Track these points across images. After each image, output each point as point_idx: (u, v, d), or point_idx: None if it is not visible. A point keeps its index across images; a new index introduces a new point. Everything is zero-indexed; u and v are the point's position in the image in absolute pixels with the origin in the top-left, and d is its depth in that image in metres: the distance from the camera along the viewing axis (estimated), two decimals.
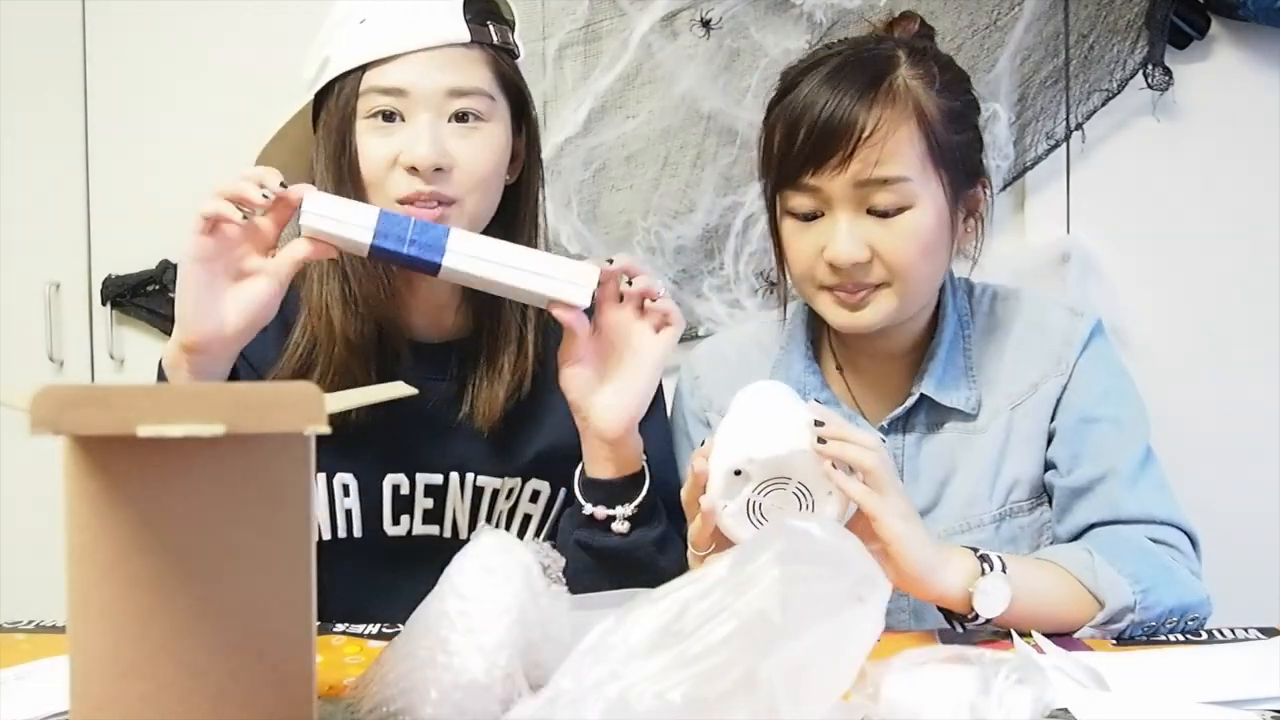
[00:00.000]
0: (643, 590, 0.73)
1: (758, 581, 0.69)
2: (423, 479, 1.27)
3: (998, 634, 1.08)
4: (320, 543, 1.26)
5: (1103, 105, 1.85)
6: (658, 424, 1.32)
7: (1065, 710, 0.83)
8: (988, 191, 1.26)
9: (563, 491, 1.29)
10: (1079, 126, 1.85)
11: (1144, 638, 1.08)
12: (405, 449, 1.26)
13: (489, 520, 1.28)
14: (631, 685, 0.67)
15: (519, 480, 1.29)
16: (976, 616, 1.05)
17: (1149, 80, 1.83)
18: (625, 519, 1.17)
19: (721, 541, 1.03)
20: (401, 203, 1.18)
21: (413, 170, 1.17)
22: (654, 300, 1.14)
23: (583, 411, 1.16)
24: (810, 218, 1.19)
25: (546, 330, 1.29)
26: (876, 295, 1.19)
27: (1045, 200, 1.88)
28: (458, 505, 1.28)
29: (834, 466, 0.99)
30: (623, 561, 1.17)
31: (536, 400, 1.28)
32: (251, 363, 1.22)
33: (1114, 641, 1.07)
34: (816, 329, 1.33)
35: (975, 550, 1.06)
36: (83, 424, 0.65)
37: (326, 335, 1.22)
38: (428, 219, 1.16)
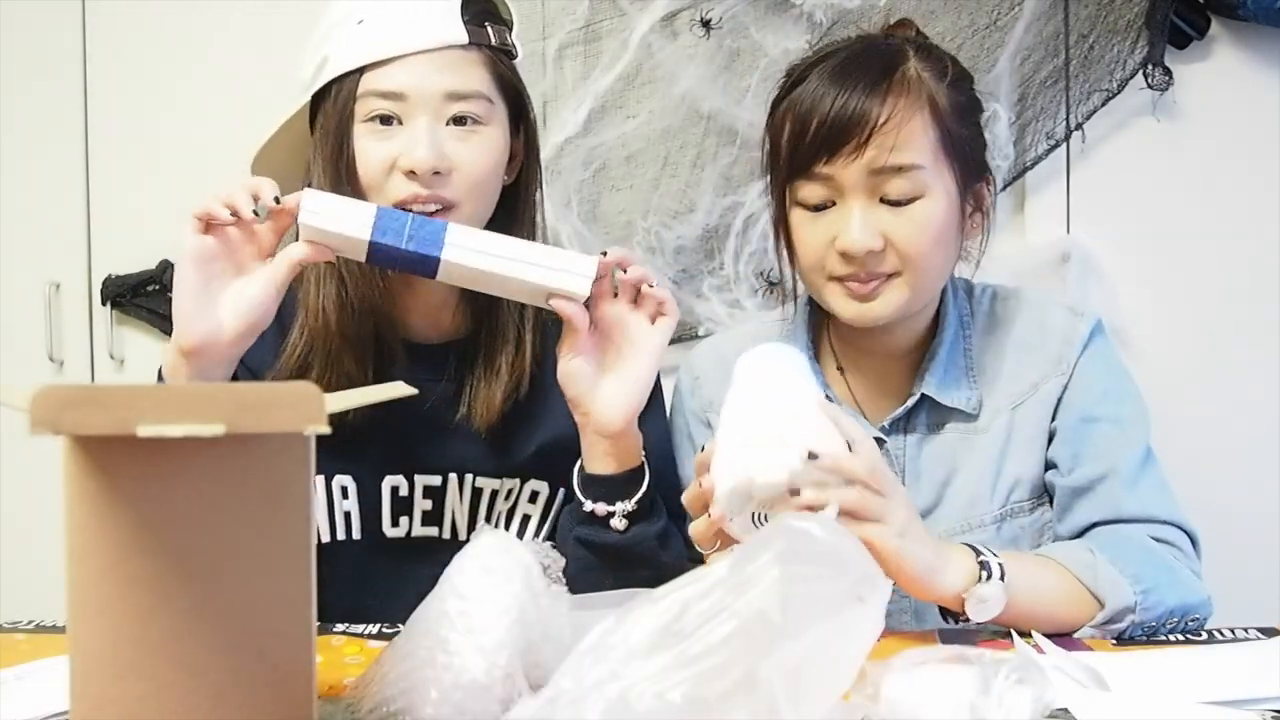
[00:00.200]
0: (643, 590, 0.73)
1: (758, 581, 0.69)
2: (421, 480, 1.27)
3: (998, 634, 1.08)
4: (319, 545, 1.26)
5: (1103, 105, 1.85)
6: (656, 420, 1.32)
7: (1065, 710, 0.83)
8: (991, 189, 1.27)
9: (561, 491, 1.29)
10: (1079, 126, 1.85)
11: (1144, 638, 1.08)
12: (403, 450, 1.26)
13: (488, 521, 1.28)
14: (631, 685, 0.67)
15: (518, 481, 1.29)
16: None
17: (1149, 80, 1.83)
18: (625, 515, 1.17)
19: (726, 540, 1.03)
20: (399, 206, 1.18)
21: (411, 174, 1.17)
22: (650, 288, 1.14)
23: (583, 407, 1.15)
24: (821, 208, 1.18)
25: (544, 330, 1.29)
26: (888, 286, 1.18)
27: (1045, 200, 1.88)
28: (456, 506, 1.28)
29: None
30: (623, 557, 1.17)
31: (535, 401, 1.28)
32: (250, 367, 1.22)
33: (1114, 641, 1.07)
34: (817, 329, 1.33)
35: (976, 552, 1.06)
36: (83, 424, 0.65)
37: (323, 337, 1.22)
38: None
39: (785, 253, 1.26)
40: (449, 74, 1.19)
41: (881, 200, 1.16)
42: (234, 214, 1.08)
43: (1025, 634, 1.05)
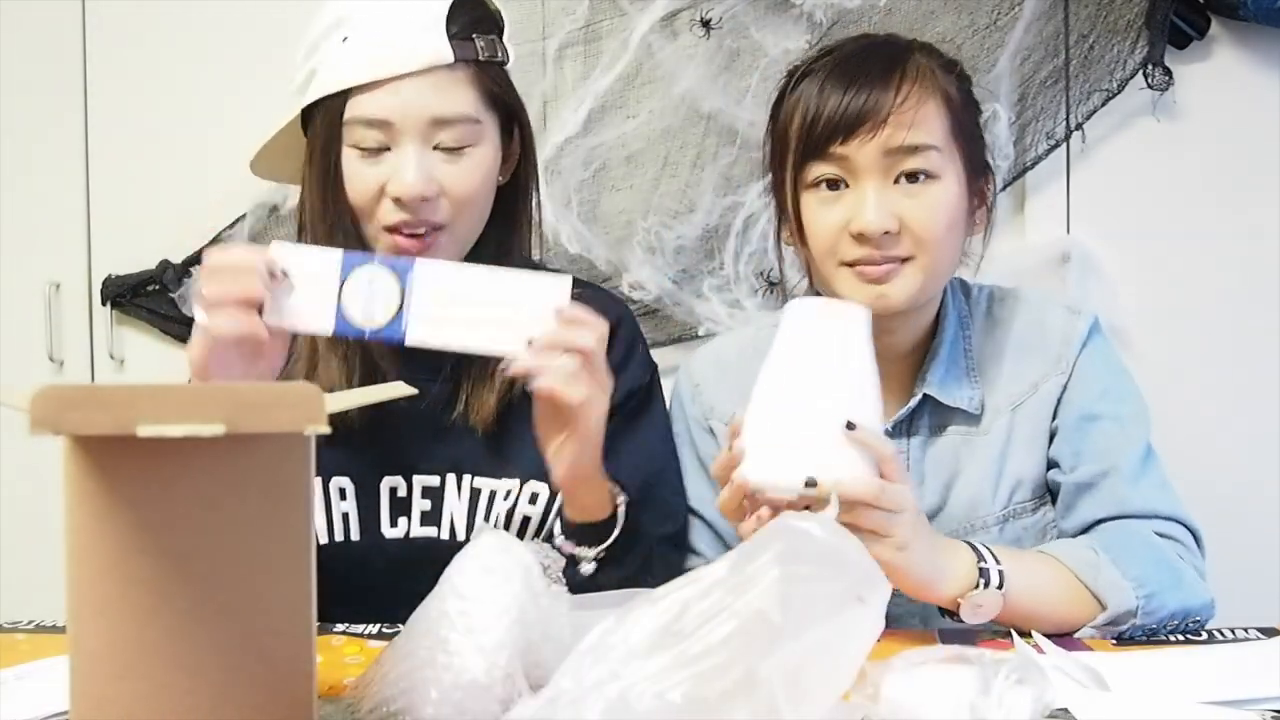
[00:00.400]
0: (643, 590, 0.73)
1: (757, 581, 0.69)
2: (420, 481, 1.27)
3: (998, 634, 1.08)
4: (318, 546, 1.26)
5: (1103, 105, 1.85)
6: (653, 426, 1.33)
7: (1065, 710, 0.83)
8: (992, 189, 1.27)
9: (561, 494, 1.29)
10: (1079, 126, 1.85)
11: (1144, 638, 1.08)
12: (401, 451, 1.26)
13: (487, 522, 1.28)
14: (631, 685, 0.67)
15: (517, 482, 1.28)
16: None
17: (1149, 80, 1.83)
18: (592, 560, 1.17)
19: (754, 505, 1.04)
20: (390, 230, 1.20)
21: (399, 200, 1.18)
22: (587, 359, 1.10)
23: (545, 456, 1.16)
24: (834, 186, 1.17)
25: None
26: (901, 271, 1.17)
27: (1045, 200, 1.88)
28: (455, 507, 1.28)
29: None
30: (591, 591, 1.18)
31: (532, 403, 1.28)
32: None
33: (1114, 641, 1.07)
34: None
35: (978, 555, 1.07)
36: (83, 424, 0.65)
37: (309, 338, 1.22)
38: (416, 246, 1.19)
39: (795, 242, 1.24)
40: (435, 97, 1.17)
41: (895, 182, 1.16)
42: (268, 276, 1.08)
43: (1025, 634, 1.05)
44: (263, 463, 0.70)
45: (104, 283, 2.03)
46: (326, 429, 0.67)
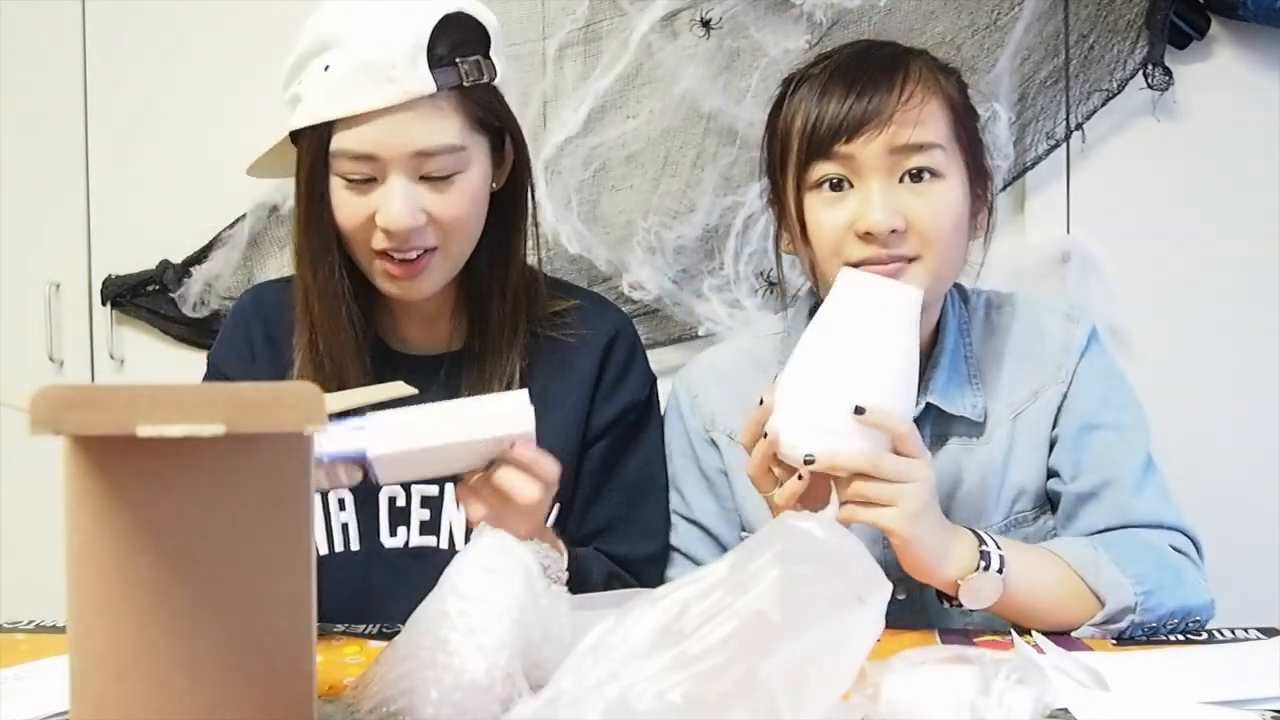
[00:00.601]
0: (643, 590, 0.73)
1: (757, 581, 0.69)
2: (418, 490, 1.27)
3: (998, 633, 1.08)
4: (318, 558, 1.26)
5: (1103, 105, 1.84)
6: (647, 443, 1.33)
7: (1065, 710, 0.83)
8: (992, 193, 1.26)
9: (556, 508, 1.28)
10: (1079, 126, 1.85)
11: (1144, 638, 1.08)
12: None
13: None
14: (631, 685, 0.67)
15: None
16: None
17: (1149, 80, 1.82)
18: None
19: (786, 472, 1.07)
20: (380, 254, 1.20)
21: (388, 231, 1.18)
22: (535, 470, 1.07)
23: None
24: (837, 187, 1.16)
25: (535, 341, 1.30)
26: (908, 271, 1.16)
27: (1045, 200, 1.88)
28: (454, 516, 1.27)
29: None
30: None
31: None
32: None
33: (1114, 641, 1.07)
34: None
35: (980, 540, 1.08)
36: (83, 424, 0.65)
37: (309, 350, 1.23)
38: (409, 269, 1.19)
39: (797, 248, 1.23)
40: (419, 129, 1.16)
41: (900, 181, 1.15)
42: None
43: (1025, 633, 1.05)
44: (263, 463, 0.70)
45: (104, 283, 2.03)
46: (326, 429, 0.67)
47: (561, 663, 0.72)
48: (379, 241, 1.19)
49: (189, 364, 2.01)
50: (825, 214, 1.17)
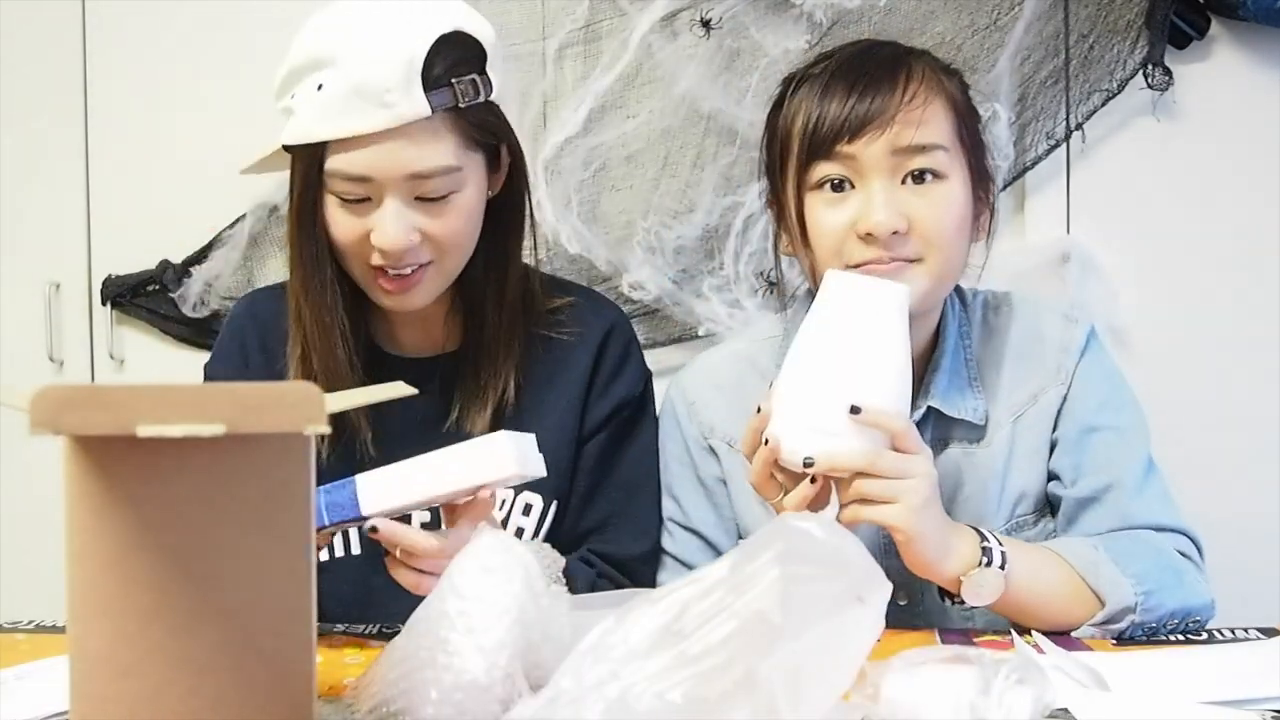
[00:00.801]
0: (643, 590, 0.73)
1: (758, 581, 0.69)
2: None
3: (998, 633, 1.08)
4: (319, 564, 1.26)
5: (1103, 105, 1.84)
6: (641, 440, 1.33)
7: (1065, 710, 0.83)
8: (994, 195, 1.25)
9: (554, 505, 1.29)
10: (1079, 126, 1.85)
11: (1144, 638, 1.08)
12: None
13: None
14: (631, 685, 0.67)
15: (510, 493, 1.28)
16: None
17: (1149, 80, 1.82)
18: None
19: (790, 479, 1.07)
20: (375, 269, 1.20)
21: (383, 251, 1.17)
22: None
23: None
24: (839, 188, 1.15)
25: (532, 343, 1.29)
26: (910, 272, 1.14)
27: (1045, 200, 1.88)
28: None
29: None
30: None
31: (524, 414, 1.27)
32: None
33: (1114, 641, 1.07)
34: None
35: (981, 536, 1.08)
36: (83, 424, 0.65)
37: (301, 365, 1.23)
38: (404, 283, 1.19)
39: (797, 250, 1.22)
40: (414, 152, 1.15)
41: (902, 182, 1.15)
42: None
43: (1025, 633, 1.05)
44: (263, 463, 0.70)
45: (104, 283, 2.03)
46: (326, 429, 0.67)
47: (561, 663, 0.72)
48: (374, 258, 1.19)
49: (189, 364, 2.01)
50: (826, 215, 1.16)
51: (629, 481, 1.31)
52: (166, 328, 2.03)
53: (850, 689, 0.75)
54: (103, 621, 0.69)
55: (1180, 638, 1.08)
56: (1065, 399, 1.23)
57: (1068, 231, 1.87)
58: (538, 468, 1.06)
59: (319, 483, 0.92)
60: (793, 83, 1.22)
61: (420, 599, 0.82)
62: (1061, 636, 1.05)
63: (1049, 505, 1.25)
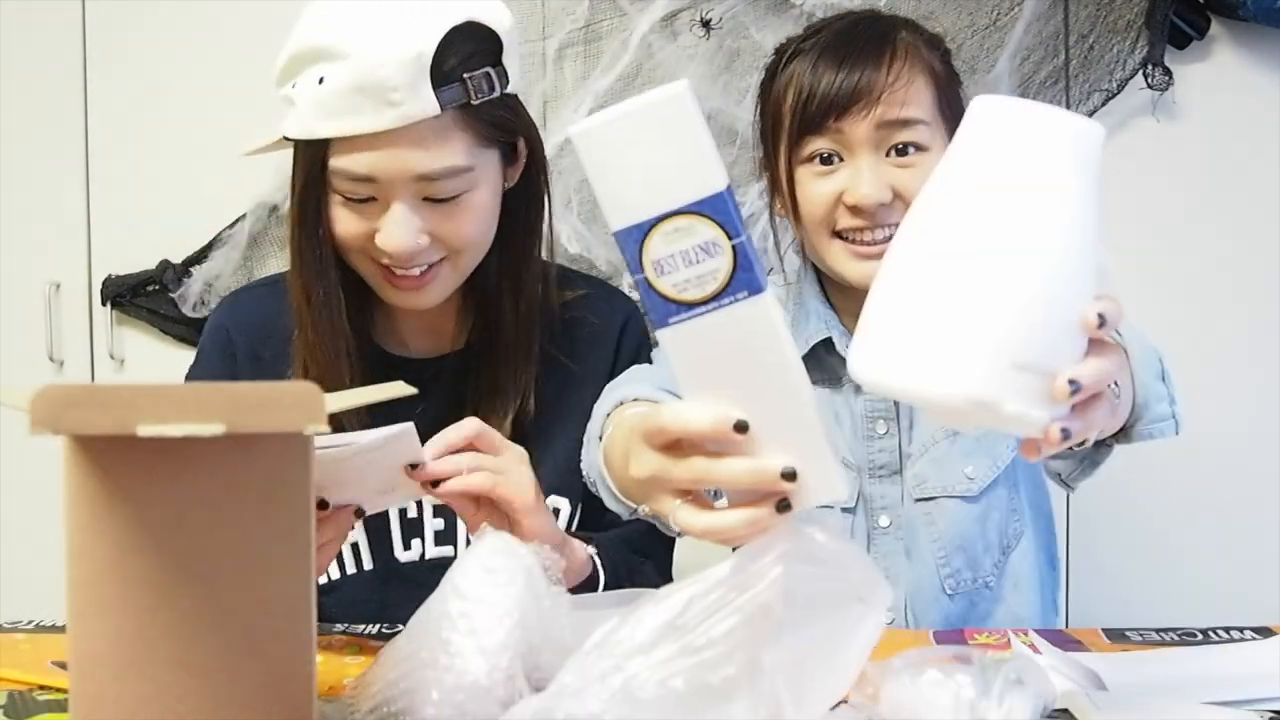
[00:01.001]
0: (645, 590, 0.73)
1: (760, 579, 0.69)
2: (430, 500, 1.21)
3: (993, 634, 1.08)
4: (331, 582, 1.24)
5: (1103, 105, 1.85)
6: None
7: (1065, 710, 0.83)
8: None
9: (580, 508, 1.26)
10: None
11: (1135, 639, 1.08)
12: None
13: None
14: (634, 675, 0.67)
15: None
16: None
17: (1149, 80, 1.83)
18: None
19: None
20: (382, 267, 1.16)
21: (389, 253, 1.14)
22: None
23: None
24: (828, 160, 1.20)
25: (557, 342, 1.26)
26: None
27: None
28: None
29: None
30: None
31: (548, 417, 1.24)
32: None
33: (1109, 640, 1.07)
34: (825, 295, 1.31)
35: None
36: (83, 424, 0.65)
37: (304, 372, 1.19)
38: (415, 282, 1.15)
39: (788, 215, 1.25)
40: (421, 153, 1.09)
41: (887, 155, 1.19)
42: None
43: (1022, 634, 1.05)
44: (263, 463, 0.70)
45: (104, 283, 2.03)
46: (326, 428, 0.67)
47: (563, 664, 0.72)
48: (380, 255, 1.15)
49: (189, 364, 2.01)
50: (815, 185, 1.21)
51: None
52: (166, 328, 2.03)
53: (851, 689, 0.75)
54: (103, 621, 0.69)
55: (1178, 638, 1.08)
56: None
57: None
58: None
59: None
60: (785, 54, 1.26)
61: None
62: (1060, 637, 1.05)
63: None
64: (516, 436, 1.21)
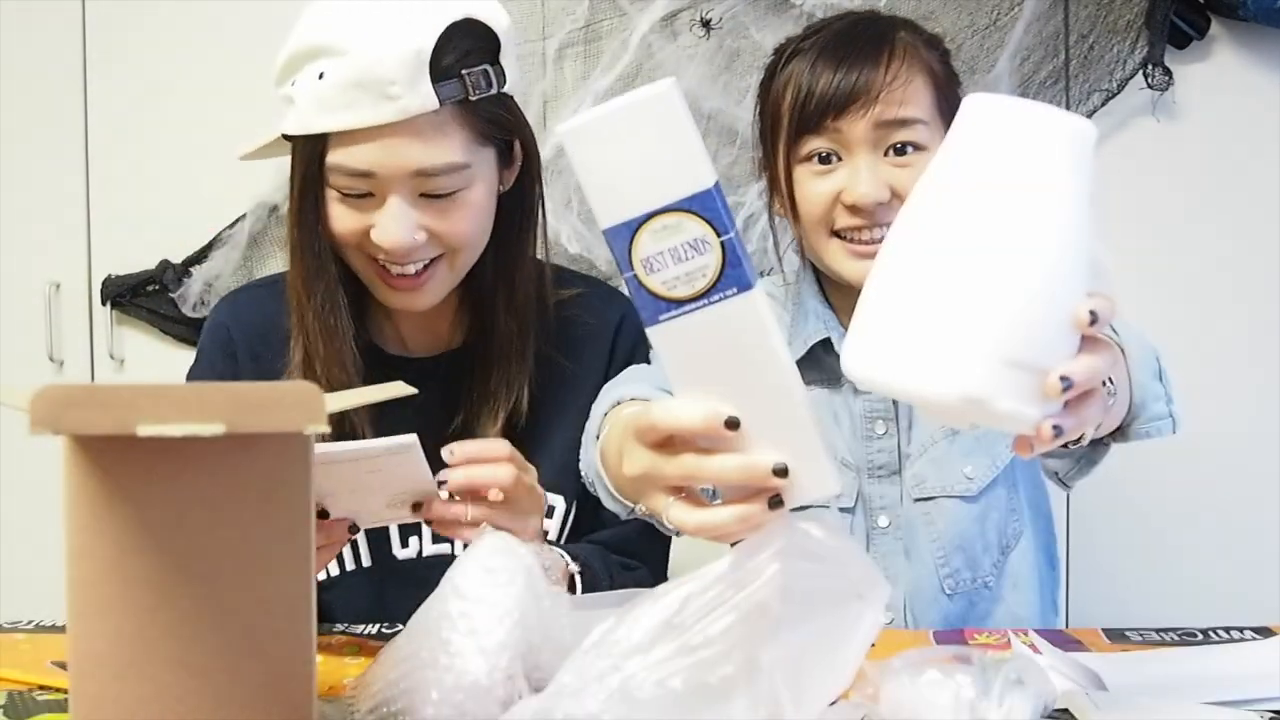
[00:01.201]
0: (644, 590, 0.73)
1: (758, 576, 0.69)
2: None
3: (994, 634, 1.08)
4: (331, 579, 1.24)
5: (1103, 105, 1.85)
6: None
7: (1065, 710, 0.83)
8: None
9: (575, 506, 1.26)
10: None
11: (1141, 639, 1.08)
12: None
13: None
14: (632, 675, 0.67)
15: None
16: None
17: (1149, 80, 1.83)
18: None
19: None
20: (379, 266, 1.16)
21: (385, 249, 1.14)
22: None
23: None
24: (827, 159, 1.20)
25: (552, 340, 1.26)
26: None
27: None
28: None
29: None
30: None
31: (543, 414, 1.25)
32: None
33: (1109, 640, 1.07)
34: (824, 295, 1.31)
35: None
36: (83, 424, 0.65)
37: (304, 368, 1.20)
38: (411, 282, 1.16)
39: (787, 214, 1.25)
40: (419, 148, 1.10)
41: (885, 155, 1.19)
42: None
43: (1022, 634, 1.05)
44: (263, 463, 0.70)
45: (104, 283, 2.03)
46: (326, 428, 0.67)
47: (562, 664, 0.72)
48: (377, 252, 1.15)
49: (189, 364, 2.01)
50: (813, 185, 1.21)
51: None
52: (166, 328, 2.03)
53: (850, 689, 0.75)
54: (103, 621, 0.69)
55: (1178, 638, 1.08)
56: None
57: None
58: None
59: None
60: (784, 54, 1.26)
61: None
62: (1060, 637, 1.05)
63: None
64: (510, 435, 1.22)
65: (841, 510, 1.25)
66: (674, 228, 0.68)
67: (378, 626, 1.13)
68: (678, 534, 1.00)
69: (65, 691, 0.73)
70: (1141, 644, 1.06)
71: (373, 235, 1.14)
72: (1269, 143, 1.83)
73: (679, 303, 0.69)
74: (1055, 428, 0.68)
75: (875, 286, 0.71)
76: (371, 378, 1.20)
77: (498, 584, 0.78)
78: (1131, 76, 1.83)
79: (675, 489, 0.73)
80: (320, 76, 1.10)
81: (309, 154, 1.14)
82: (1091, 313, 0.69)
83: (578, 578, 1.14)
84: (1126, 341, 1.00)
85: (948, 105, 1.23)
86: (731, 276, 0.68)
